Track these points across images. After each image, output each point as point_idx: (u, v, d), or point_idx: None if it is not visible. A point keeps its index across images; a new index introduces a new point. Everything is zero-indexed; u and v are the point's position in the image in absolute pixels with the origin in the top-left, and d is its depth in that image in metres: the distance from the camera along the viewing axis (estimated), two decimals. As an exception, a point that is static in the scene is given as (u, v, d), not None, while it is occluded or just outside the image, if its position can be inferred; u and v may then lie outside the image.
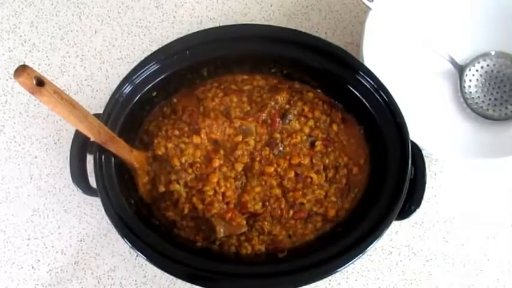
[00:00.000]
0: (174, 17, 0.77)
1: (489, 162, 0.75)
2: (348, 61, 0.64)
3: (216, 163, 0.64)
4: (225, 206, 0.63)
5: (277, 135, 0.66)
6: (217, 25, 0.77)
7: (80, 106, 0.53)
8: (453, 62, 0.74)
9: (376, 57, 0.68)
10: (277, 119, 0.66)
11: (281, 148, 0.65)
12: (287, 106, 0.67)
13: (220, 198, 0.63)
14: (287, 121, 0.66)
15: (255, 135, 0.65)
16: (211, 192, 0.63)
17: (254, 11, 0.78)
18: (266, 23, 0.77)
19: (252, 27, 0.68)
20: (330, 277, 0.72)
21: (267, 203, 0.64)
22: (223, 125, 0.65)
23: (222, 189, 0.63)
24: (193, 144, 0.64)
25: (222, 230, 0.62)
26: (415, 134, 0.64)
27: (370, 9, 0.68)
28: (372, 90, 0.64)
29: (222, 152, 0.65)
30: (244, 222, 0.63)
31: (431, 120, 0.73)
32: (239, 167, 0.64)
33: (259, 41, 0.65)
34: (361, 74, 0.64)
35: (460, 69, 0.75)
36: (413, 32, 0.70)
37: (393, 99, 0.63)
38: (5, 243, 0.69)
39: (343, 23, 0.79)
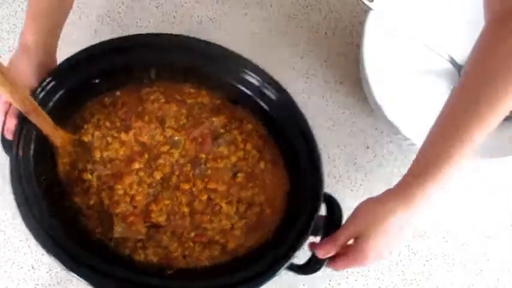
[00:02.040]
0: (174, 17, 0.77)
1: (489, 162, 0.75)
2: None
3: (136, 166, 0.63)
4: (131, 208, 0.62)
5: (203, 156, 0.65)
6: (217, 25, 0.77)
7: (6, 69, 0.52)
8: (453, 62, 0.74)
9: (377, 57, 0.68)
10: (208, 140, 0.66)
11: (203, 169, 0.65)
12: (222, 130, 0.66)
13: (129, 200, 0.63)
14: (216, 145, 0.66)
15: (181, 149, 0.65)
16: (121, 192, 0.63)
17: (254, 11, 0.78)
18: (266, 23, 0.77)
19: (201, 44, 0.66)
20: (329, 277, 0.72)
21: (172, 217, 0.63)
22: (155, 131, 0.65)
23: (133, 192, 0.63)
24: (120, 141, 0.64)
25: (119, 231, 0.61)
26: (414, 133, 0.64)
27: (371, 9, 0.68)
28: (302, 139, 0.63)
29: (146, 156, 0.64)
30: (144, 230, 0.62)
31: (431, 120, 0.73)
32: (157, 176, 0.64)
33: (204, 57, 0.64)
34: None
35: (460, 69, 0.74)
36: (414, 31, 0.70)
37: (317, 154, 0.62)
38: (5, 243, 0.69)
39: (343, 23, 0.79)
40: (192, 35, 0.76)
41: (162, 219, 0.63)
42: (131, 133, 0.64)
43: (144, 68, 0.65)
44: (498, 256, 0.74)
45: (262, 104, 0.65)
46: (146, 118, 0.65)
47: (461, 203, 0.75)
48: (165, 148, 0.64)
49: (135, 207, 0.63)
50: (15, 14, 0.76)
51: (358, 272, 0.72)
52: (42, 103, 0.59)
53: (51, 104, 0.61)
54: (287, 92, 0.64)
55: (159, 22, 0.77)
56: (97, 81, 0.64)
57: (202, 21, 0.77)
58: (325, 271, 0.72)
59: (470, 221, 0.75)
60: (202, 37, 0.76)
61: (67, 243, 0.57)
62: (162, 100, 0.66)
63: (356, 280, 0.72)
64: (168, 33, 0.64)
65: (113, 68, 0.63)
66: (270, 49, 0.70)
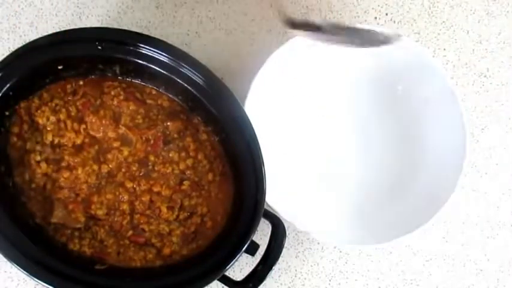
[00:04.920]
0: (174, 17, 0.77)
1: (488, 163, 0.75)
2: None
3: (84, 155, 0.64)
4: (73, 195, 0.63)
5: (152, 158, 0.65)
6: (217, 25, 0.77)
7: None
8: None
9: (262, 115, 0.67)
10: (160, 143, 0.65)
11: (150, 171, 0.65)
12: (175, 135, 0.66)
13: (72, 187, 0.63)
14: (167, 149, 0.65)
15: (132, 148, 0.65)
16: (65, 178, 0.62)
17: (254, 11, 0.78)
18: (266, 22, 0.77)
19: (168, 49, 0.64)
20: (330, 277, 0.72)
21: (112, 213, 0.63)
22: (108, 127, 0.64)
23: (77, 181, 0.63)
24: (73, 129, 0.64)
25: (59, 215, 0.61)
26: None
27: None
28: (249, 160, 0.62)
29: (96, 147, 0.64)
30: (83, 219, 0.62)
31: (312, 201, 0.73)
32: (104, 169, 0.64)
33: (171, 64, 0.63)
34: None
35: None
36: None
37: (260, 171, 0.61)
38: (5, 243, 0.69)
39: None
40: (191, 34, 0.76)
41: (101, 213, 0.63)
42: (83, 126, 0.64)
43: (109, 62, 0.64)
44: (498, 256, 0.74)
45: (214, 112, 0.64)
46: (101, 113, 0.65)
47: (461, 203, 0.75)
48: (116, 144, 0.64)
49: (77, 195, 0.63)
50: (15, 14, 0.76)
51: (358, 272, 0.72)
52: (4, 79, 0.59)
53: (9, 83, 0.60)
54: (237, 100, 0.63)
55: (159, 22, 0.77)
56: (60, 67, 0.63)
57: (202, 21, 0.77)
58: (325, 271, 0.73)
59: (470, 221, 0.75)
60: (203, 37, 0.76)
61: (6, 225, 0.57)
62: (122, 97, 0.66)
63: (356, 280, 0.72)
64: (139, 32, 0.64)
65: (76, 57, 0.63)
66: (271, 49, 0.70)
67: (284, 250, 0.61)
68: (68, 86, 0.65)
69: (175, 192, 0.65)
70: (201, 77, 0.63)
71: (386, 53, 0.71)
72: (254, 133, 0.62)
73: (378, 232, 0.68)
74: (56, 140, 0.63)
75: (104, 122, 0.64)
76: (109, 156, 0.64)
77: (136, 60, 0.63)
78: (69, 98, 0.65)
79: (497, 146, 0.77)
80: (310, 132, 0.74)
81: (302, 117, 0.74)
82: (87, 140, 0.64)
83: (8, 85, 0.60)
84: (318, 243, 0.73)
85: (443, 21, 0.80)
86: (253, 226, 0.60)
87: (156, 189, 0.64)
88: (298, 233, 0.73)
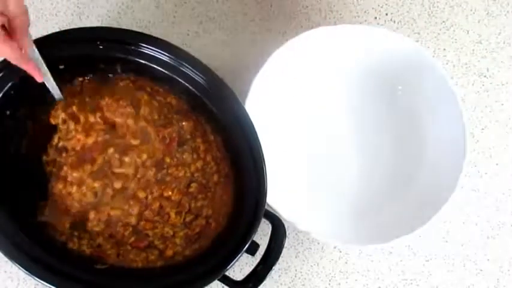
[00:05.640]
0: (174, 16, 0.77)
1: (489, 163, 0.75)
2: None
3: (99, 160, 0.61)
4: (77, 206, 0.61)
5: (168, 160, 0.64)
6: (217, 25, 0.77)
7: None
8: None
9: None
10: (174, 144, 0.64)
11: (164, 175, 0.63)
12: (188, 136, 0.65)
13: (76, 197, 0.62)
14: (181, 151, 0.64)
15: (150, 145, 0.63)
16: (63, 184, 0.61)
17: (254, 11, 0.78)
18: (266, 22, 0.77)
19: (170, 49, 0.64)
20: (329, 277, 0.72)
21: (112, 226, 0.62)
22: (126, 110, 0.62)
23: (78, 192, 0.61)
24: (84, 130, 0.61)
25: (47, 214, 0.60)
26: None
27: None
28: (251, 162, 0.62)
29: (111, 150, 0.61)
30: (68, 226, 0.61)
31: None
32: (117, 185, 0.61)
33: (172, 64, 0.63)
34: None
35: None
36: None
37: (262, 172, 0.61)
38: (5, 243, 0.69)
39: (343, 23, 0.78)
40: (191, 34, 0.76)
41: (98, 229, 0.61)
42: (98, 114, 0.61)
43: (110, 61, 0.64)
44: (498, 256, 0.74)
45: (215, 111, 0.63)
46: (118, 94, 0.63)
47: (461, 203, 0.75)
48: (135, 142, 0.62)
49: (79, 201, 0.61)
50: (15, 14, 0.76)
51: (358, 272, 0.72)
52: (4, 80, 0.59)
53: (10, 83, 0.59)
54: (238, 99, 0.63)
55: (159, 22, 0.77)
56: (61, 67, 0.62)
57: (202, 21, 0.77)
58: (325, 271, 0.73)
59: (470, 220, 0.75)
60: (203, 37, 0.76)
61: (7, 224, 0.57)
62: (132, 86, 0.64)
63: (356, 280, 0.72)
64: (140, 32, 0.64)
65: (77, 57, 0.62)
66: (271, 49, 0.70)
67: (284, 250, 0.61)
68: (75, 87, 0.64)
69: (184, 195, 0.64)
70: (202, 76, 0.63)
71: (387, 53, 0.71)
72: (255, 132, 0.62)
73: (378, 232, 0.68)
74: (61, 143, 0.62)
75: (121, 103, 0.62)
76: (126, 159, 0.62)
77: (138, 59, 0.63)
78: (80, 96, 0.63)
79: (497, 146, 0.77)
80: (310, 132, 0.74)
81: (302, 117, 0.74)
82: (101, 139, 0.62)
83: (9, 84, 0.60)
84: (318, 243, 0.73)
85: (443, 21, 0.80)
86: (254, 226, 0.60)
87: (166, 194, 0.63)
88: (298, 233, 0.73)
